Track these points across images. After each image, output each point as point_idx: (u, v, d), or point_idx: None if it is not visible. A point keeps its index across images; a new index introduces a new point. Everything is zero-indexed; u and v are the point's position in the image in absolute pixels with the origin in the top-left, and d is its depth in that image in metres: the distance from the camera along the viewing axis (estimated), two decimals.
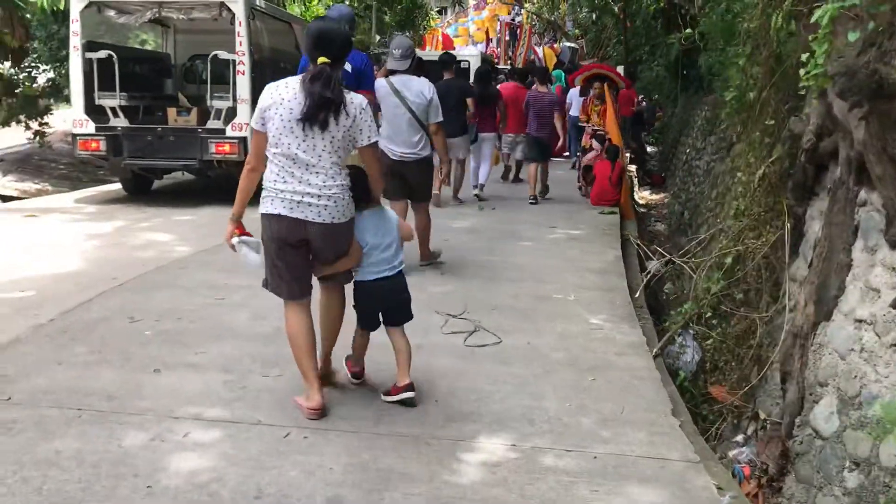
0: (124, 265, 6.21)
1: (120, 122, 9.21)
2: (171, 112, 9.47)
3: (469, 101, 8.86)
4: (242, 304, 5.17)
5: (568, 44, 26.28)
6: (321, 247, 3.50)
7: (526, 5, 31.14)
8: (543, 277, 6.10)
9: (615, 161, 10.27)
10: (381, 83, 5.91)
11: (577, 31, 29.94)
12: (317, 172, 3.34)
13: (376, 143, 3.55)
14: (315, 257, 3.57)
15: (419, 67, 6.08)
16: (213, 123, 9.11)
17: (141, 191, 10.22)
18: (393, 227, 3.72)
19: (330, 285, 3.74)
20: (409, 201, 6.09)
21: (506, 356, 4.39)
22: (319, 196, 3.35)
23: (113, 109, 9.18)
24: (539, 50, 24.39)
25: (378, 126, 6.03)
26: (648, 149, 20.30)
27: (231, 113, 9.05)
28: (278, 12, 11.21)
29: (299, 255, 3.50)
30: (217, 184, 9.88)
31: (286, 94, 3.35)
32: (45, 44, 17.43)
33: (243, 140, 8.91)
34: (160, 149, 9.15)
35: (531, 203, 9.74)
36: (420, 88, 5.85)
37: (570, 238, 7.71)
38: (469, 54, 17.10)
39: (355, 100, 3.42)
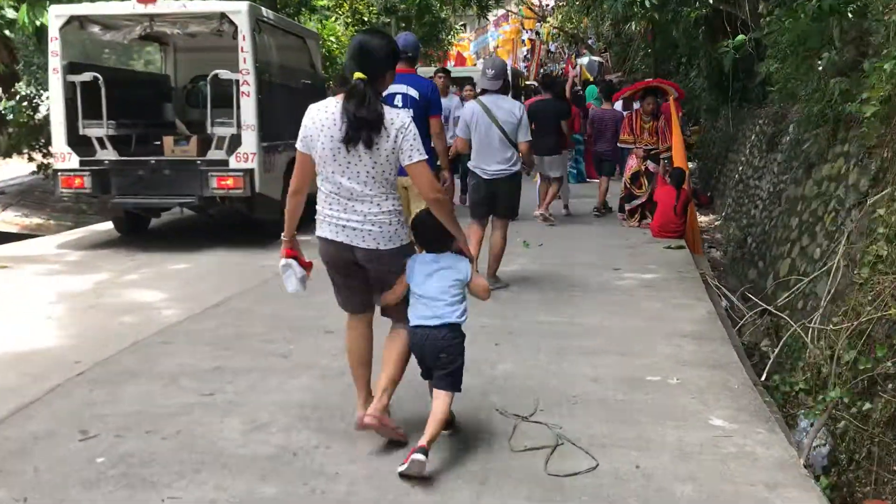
0: (95, 340, 4.92)
1: (108, 154, 7.98)
2: (168, 141, 8.24)
3: (564, 123, 9.13)
4: (236, 402, 3.85)
5: (594, 58, 25.25)
6: (371, 272, 3.37)
7: (549, 19, 30.09)
8: (627, 347, 4.73)
9: (680, 187, 8.91)
10: (472, 105, 6.12)
11: (600, 44, 28.83)
12: (361, 200, 3.24)
13: (424, 161, 3.27)
14: (372, 282, 3.44)
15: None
16: (214, 154, 7.87)
17: (136, 231, 8.98)
18: (451, 277, 3.30)
19: (393, 321, 3.50)
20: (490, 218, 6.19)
21: (610, 492, 3.02)
22: (363, 222, 3.24)
23: (100, 140, 7.96)
24: (573, 70, 23.30)
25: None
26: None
27: (235, 141, 7.81)
28: (290, 25, 9.95)
29: (353, 278, 3.41)
30: (221, 222, 8.66)
31: (325, 119, 3.23)
32: (45, 70, 16.31)
33: (249, 173, 7.65)
34: (153, 184, 7.90)
35: (595, 215, 10.14)
36: (511, 108, 5.98)
37: (644, 284, 6.33)
38: None
39: (395, 119, 3.24)
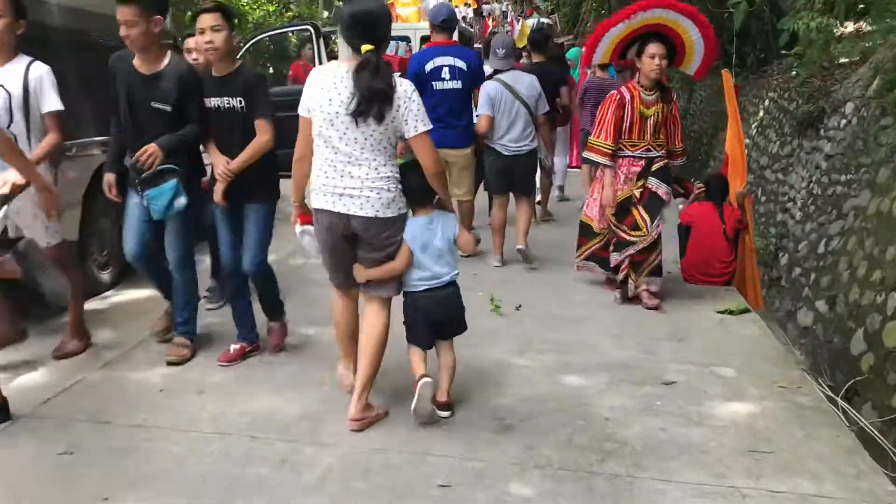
0: None
1: None
2: None
3: (563, 90, 7.90)
4: None
5: (543, 19, 22.68)
6: (366, 244, 3.27)
7: None
8: None
9: (723, 201, 5.79)
10: (494, 85, 5.93)
11: (548, 4, 26.22)
12: (359, 164, 3.15)
13: (428, 132, 3.19)
14: (360, 257, 3.33)
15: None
16: None
17: None
18: (445, 236, 3.34)
19: (374, 297, 3.38)
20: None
21: None
22: (361, 188, 3.16)
23: None
24: (517, 25, 20.50)
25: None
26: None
27: None
28: None
29: (343, 257, 3.37)
30: None
31: (327, 82, 3.17)
32: None
33: None
34: None
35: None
36: (531, 82, 5.99)
37: (744, 448, 3.12)
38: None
39: (399, 87, 3.12)
